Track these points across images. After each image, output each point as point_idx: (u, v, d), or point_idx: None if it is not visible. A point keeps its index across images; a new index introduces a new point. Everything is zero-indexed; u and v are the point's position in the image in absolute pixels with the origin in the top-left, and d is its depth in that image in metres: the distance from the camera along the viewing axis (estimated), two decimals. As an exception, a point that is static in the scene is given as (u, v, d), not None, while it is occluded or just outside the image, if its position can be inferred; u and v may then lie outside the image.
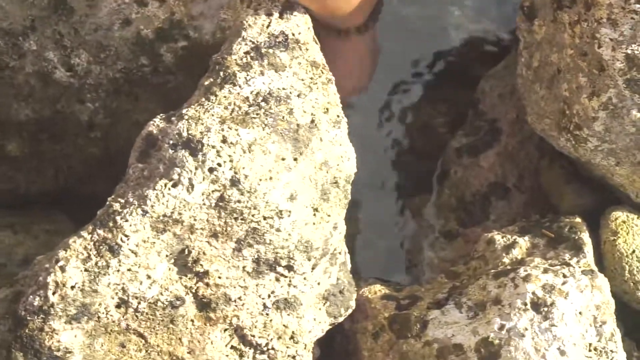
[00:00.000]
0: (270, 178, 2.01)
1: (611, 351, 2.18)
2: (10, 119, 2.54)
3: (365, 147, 3.02)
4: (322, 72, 2.22)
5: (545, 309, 2.16)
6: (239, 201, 1.99)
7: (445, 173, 2.93)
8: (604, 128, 2.33)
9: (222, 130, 2.00)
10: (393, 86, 3.38)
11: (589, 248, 2.35)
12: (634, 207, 2.47)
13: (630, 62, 2.23)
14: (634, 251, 2.36)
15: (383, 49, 3.48)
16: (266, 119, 2.05)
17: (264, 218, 2.03)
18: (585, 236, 2.38)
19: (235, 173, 1.97)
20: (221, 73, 2.12)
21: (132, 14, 2.39)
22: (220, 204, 1.98)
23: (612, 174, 2.42)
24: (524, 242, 2.42)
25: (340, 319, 2.29)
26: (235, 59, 2.14)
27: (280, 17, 2.22)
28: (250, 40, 2.18)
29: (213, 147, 1.97)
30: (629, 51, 2.22)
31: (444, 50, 3.52)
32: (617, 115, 2.30)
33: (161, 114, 2.06)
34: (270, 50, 2.17)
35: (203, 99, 2.08)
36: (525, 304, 2.18)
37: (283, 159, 2.03)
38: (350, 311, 2.30)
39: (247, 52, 2.17)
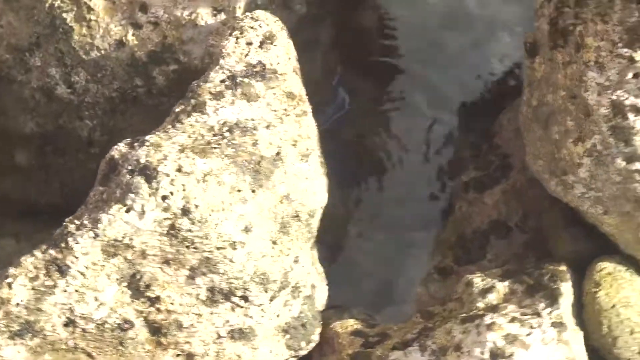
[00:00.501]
0: (223, 209, 2.01)
1: (572, 409, 2.09)
2: (18, 130, 2.63)
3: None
4: (298, 104, 2.21)
5: (503, 360, 2.10)
6: (190, 230, 2.00)
7: (451, 208, 2.87)
8: (589, 175, 2.24)
9: (179, 159, 2.01)
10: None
11: (565, 299, 2.27)
12: (626, 258, 2.36)
13: (616, 109, 2.14)
14: (614, 305, 2.26)
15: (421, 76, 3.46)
16: (227, 149, 2.06)
17: (217, 248, 2.04)
18: (565, 286, 2.30)
19: (187, 202, 1.99)
20: (192, 101, 2.14)
21: (127, 35, 2.43)
22: (172, 232, 2.00)
23: (601, 222, 2.33)
24: (502, 287, 2.35)
25: (302, 352, 2.28)
26: (210, 87, 2.16)
27: (260, 46, 2.22)
28: (228, 69, 2.19)
29: (167, 175, 1.99)
30: (614, 97, 2.13)
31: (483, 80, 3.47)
32: (602, 162, 2.21)
33: (127, 139, 2.09)
34: (246, 80, 2.17)
35: (169, 126, 2.11)
36: (483, 353, 2.12)
37: (239, 191, 2.04)
38: (312, 345, 2.29)
39: (222, 81, 2.18)
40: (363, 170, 3.20)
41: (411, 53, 3.58)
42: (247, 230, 2.04)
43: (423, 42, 3.61)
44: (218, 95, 2.13)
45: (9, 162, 2.68)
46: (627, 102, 2.12)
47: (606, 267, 2.33)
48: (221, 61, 2.19)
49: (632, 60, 2.09)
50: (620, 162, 2.18)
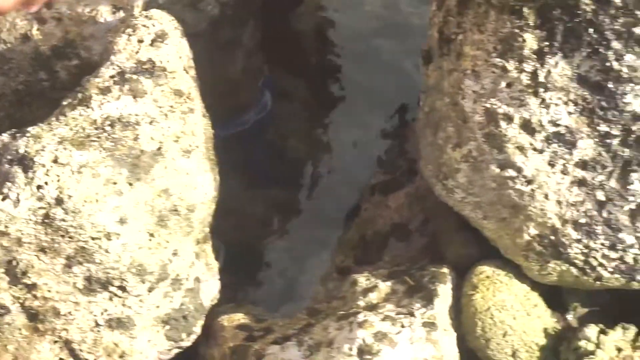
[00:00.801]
0: (97, 200, 2.07)
1: (435, 407, 2.15)
2: None
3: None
4: (185, 101, 2.27)
5: (369, 356, 2.15)
6: (63, 220, 2.06)
7: (357, 210, 2.92)
8: (467, 180, 2.30)
9: (57, 150, 2.07)
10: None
11: (441, 300, 2.32)
12: (506, 263, 2.41)
13: (489, 116, 2.19)
14: (489, 308, 2.31)
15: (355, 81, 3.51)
16: (106, 142, 2.12)
17: (92, 238, 2.09)
18: (442, 288, 2.35)
19: (60, 193, 2.05)
20: (79, 95, 2.20)
21: (32, 30, 2.49)
22: (46, 221, 2.06)
23: (482, 227, 2.38)
24: (384, 287, 2.40)
25: (184, 344, 2.34)
26: (98, 82, 2.22)
27: (151, 44, 2.28)
28: (118, 65, 2.25)
29: (43, 165, 2.05)
30: (488, 105, 2.19)
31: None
32: (478, 168, 2.26)
33: (12, 130, 2.16)
34: (135, 76, 2.23)
35: (54, 119, 2.17)
36: (351, 349, 2.18)
37: (114, 183, 2.10)
38: (193, 337, 2.34)
39: (112, 76, 2.24)
40: (283, 171, 3.25)
41: (346, 57, 3.64)
42: (122, 221, 2.10)
43: (359, 47, 3.67)
44: (105, 90, 2.19)
45: None
46: (499, 111, 2.17)
47: (485, 270, 2.38)
48: (112, 57, 2.25)
49: (505, 69, 2.15)
50: (495, 169, 2.23)
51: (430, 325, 2.23)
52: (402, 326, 2.22)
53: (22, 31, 2.49)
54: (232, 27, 3.03)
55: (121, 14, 2.40)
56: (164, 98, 2.23)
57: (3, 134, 2.14)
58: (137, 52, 2.26)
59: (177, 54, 2.29)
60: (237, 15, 3.01)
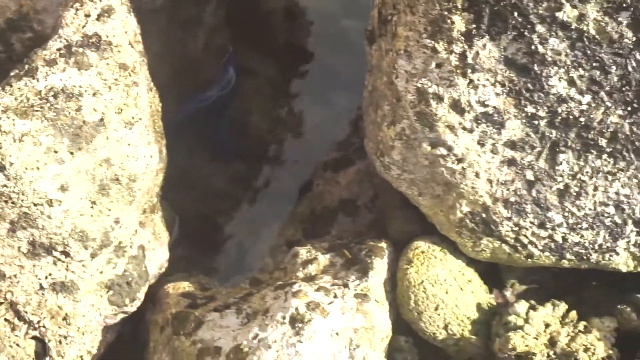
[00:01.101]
0: (38, 168, 2.15)
1: (360, 375, 2.23)
2: None
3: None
4: (130, 75, 2.35)
5: (300, 324, 2.23)
6: (5, 186, 2.15)
7: (310, 185, 3.00)
8: (401, 157, 2.37)
9: (0, 119, 2.15)
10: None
11: (376, 273, 2.40)
12: (443, 239, 2.48)
13: (420, 96, 2.26)
14: (422, 282, 2.38)
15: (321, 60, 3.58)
16: (49, 113, 2.20)
17: (34, 204, 2.18)
18: (378, 261, 2.42)
19: (2, 160, 2.13)
20: (26, 66, 2.28)
21: (-12, 2, 2.57)
22: (-11, 186, 2.14)
23: (419, 204, 2.45)
24: (323, 260, 2.48)
25: (128, 309, 2.42)
26: (45, 55, 2.29)
27: (98, 19, 2.36)
28: (65, 39, 2.33)
29: (-14, 133, 2.13)
30: (419, 85, 2.25)
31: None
32: (411, 146, 2.33)
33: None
34: (81, 50, 2.31)
35: (0, 89, 2.24)
36: (284, 318, 2.25)
37: (55, 152, 2.18)
38: (137, 303, 2.43)
39: (59, 49, 2.32)
40: (244, 146, 3.33)
41: (314, 38, 3.70)
42: (63, 189, 2.18)
43: (327, 28, 3.73)
44: (51, 62, 2.26)
45: None
46: (430, 90, 2.24)
47: (420, 246, 2.46)
48: (60, 31, 2.32)
49: (435, 50, 2.21)
50: (426, 147, 2.30)
51: (362, 296, 2.30)
52: (335, 297, 2.29)
53: (-21, 4, 2.55)
54: (193, 4, 3.10)
55: (73, -12, 2.46)
56: (108, 71, 2.30)
57: (-48, 102, 2.21)
58: (83, 26, 2.33)
59: (123, 28, 2.37)
60: (199, -8, 3.09)
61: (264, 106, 3.44)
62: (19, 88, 2.24)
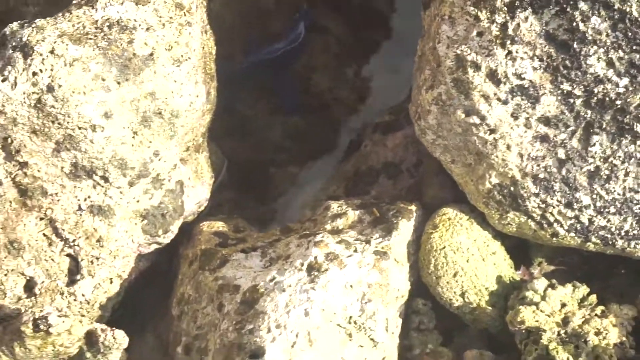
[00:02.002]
0: (84, 93, 2.27)
1: (369, 328, 2.29)
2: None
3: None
4: (185, 15, 2.44)
5: (316, 273, 2.30)
6: (53, 106, 2.27)
7: (358, 144, 3.05)
8: (436, 123, 2.40)
9: (55, 42, 2.28)
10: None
11: (400, 234, 2.44)
12: (472, 209, 2.51)
13: (459, 62, 2.29)
14: (444, 247, 2.42)
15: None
16: (101, 41, 2.31)
17: (78, 128, 2.30)
18: (404, 223, 2.47)
19: (52, 81, 2.25)
20: (88, -5, 2.40)
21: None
22: (38, 105, 2.27)
23: (451, 171, 2.49)
24: (352, 215, 2.54)
25: (161, 240, 2.53)
26: (107, -13, 2.41)
27: (162, -40, 2.45)
28: (129, -25, 2.43)
29: (40, 54, 2.26)
30: (458, 51, 2.28)
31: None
32: (446, 112, 2.36)
33: (22, 20, 2.37)
34: (141, -14, 2.41)
35: (60, 14, 2.37)
36: (302, 265, 2.33)
37: (103, 80, 2.29)
38: (170, 235, 2.53)
39: (121, -16, 2.43)
40: (304, 101, 3.39)
41: (389, 3, 3.73)
42: (107, 116, 2.29)
43: None
44: (112, -6, 2.37)
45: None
46: (469, 58, 2.26)
47: (448, 212, 2.49)
48: (126, -34, 2.43)
49: (477, 18, 2.23)
50: (460, 114, 2.33)
51: (381, 254, 2.35)
52: (355, 251, 2.35)
53: None
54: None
55: None
56: (164, 9, 2.40)
57: (13, 23, 2.35)
58: (146, -35, 2.42)
59: (185, -29, 2.45)
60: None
61: (330, 64, 3.49)
62: (77, 16, 2.36)
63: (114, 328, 2.28)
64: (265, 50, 3.31)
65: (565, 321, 2.33)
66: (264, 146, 3.33)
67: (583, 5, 2.12)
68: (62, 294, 2.44)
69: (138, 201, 2.45)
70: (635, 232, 2.33)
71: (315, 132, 3.37)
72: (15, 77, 2.26)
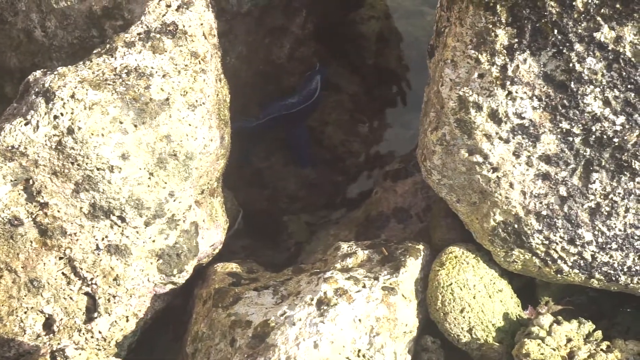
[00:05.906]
0: (102, 135, 2.38)
1: (377, 361, 2.35)
2: (5, 65, 3.09)
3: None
4: (200, 63, 2.56)
5: (325, 307, 2.37)
6: (73, 148, 2.38)
7: (369, 192, 3.14)
8: (441, 162, 2.48)
9: (75, 87, 2.40)
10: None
11: (408, 271, 2.51)
12: (479, 247, 2.58)
13: (462, 103, 2.38)
14: (451, 284, 2.48)
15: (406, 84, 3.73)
16: (119, 87, 2.43)
17: (97, 168, 2.40)
18: (411, 261, 2.54)
19: (72, 124, 2.37)
20: (107, 46, 2.53)
21: (88, -9, 2.85)
22: (59, 147, 2.38)
23: (457, 210, 2.56)
24: (362, 254, 2.61)
25: (176, 280, 2.61)
26: (126, 37, 2.54)
27: (177, 9, 2.59)
28: (146, 25, 2.57)
29: (62, 99, 2.38)
30: (461, 92, 2.38)
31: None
32: (450, 152, 2.45)
33: (45, 69, 2.50)
34: (158, 35, 2.54)
35: (81, 62, 2.50)
36: (312, 300, 2.40)
37: (120, 122, 2.40)
38: (185, 275, 2.61)
39: (139, 33, 2.56)
40: (317, 154, 3.50)
41: (404, 63, 3.86)
42: (124, 157, 2.40)
43: (417, 54, 3.88)
44: (130, 44, 2.50)
45: (1, 91, 3.14)
46: (470, 99, 2.36)
47: (454, 251, 2.56)
48: (142, 18, 2.56)
49: (478, 61, 2.33)
50: (464, 153, 2.42)
51: (389, 290, 2.42)
52: (364, 286, 2.42)
53: (80, -9, 2.83)
54: (281, 13, 3.31)
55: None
56: (180, 57, 2.52)
57: (37, 71, 2.47)
58: (163, 15, 2.56)
59: (199, 20, 2.58)
60: (291, 4, 3.29)
61: (342, 119, 3.60)
62: (97, 64, 2.48)
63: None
64: (280, 105, 3.43)
65: (571, 355, 2.37)
66: (278, 196, 3.42)
67: (579, 47, 2.21)
68: (79, 331, 2.51)
69: (154, 241, 2.54)
70: (637, 267, 2.39)
71: (328, 183, 3.46)
72: (38, 121, 2.37)
